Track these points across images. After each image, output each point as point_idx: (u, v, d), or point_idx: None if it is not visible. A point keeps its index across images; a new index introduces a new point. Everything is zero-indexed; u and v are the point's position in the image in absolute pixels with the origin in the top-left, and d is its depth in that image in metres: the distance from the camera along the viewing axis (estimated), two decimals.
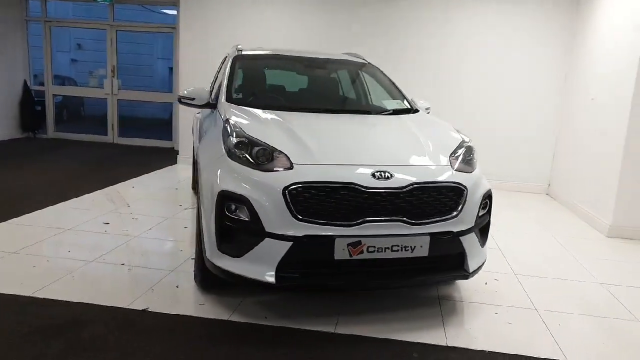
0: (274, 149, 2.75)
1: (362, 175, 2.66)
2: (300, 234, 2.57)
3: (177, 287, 3.27)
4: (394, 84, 4.19)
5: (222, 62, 5.20)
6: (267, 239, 2.59)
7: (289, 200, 2.57)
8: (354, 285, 2.83)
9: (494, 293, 3.41)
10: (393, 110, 3.78)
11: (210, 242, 2.78)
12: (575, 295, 3.49)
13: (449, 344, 2.72)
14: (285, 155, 2.72)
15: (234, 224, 2.67)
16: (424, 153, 2.96)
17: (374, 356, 2.59)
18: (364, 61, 4.46)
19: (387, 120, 3.57)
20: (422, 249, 2.71)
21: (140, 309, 2.93)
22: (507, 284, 3.59)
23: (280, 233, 2.58)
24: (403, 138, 3.12)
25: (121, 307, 2.94)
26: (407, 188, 2.68)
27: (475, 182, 2.93)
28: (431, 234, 2.72)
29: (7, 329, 2.61)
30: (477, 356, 2.63)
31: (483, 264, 3.04)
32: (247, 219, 2.63)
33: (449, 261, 2.88)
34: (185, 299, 3.10)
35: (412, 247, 2.68)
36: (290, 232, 2.57)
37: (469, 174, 2.94)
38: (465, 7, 6.78)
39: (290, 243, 2.57)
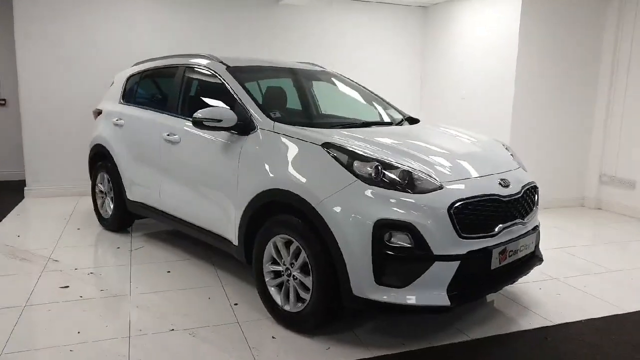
0: (410, 169, 2.66)
1: (495, 186, 2.81)
2: (464, 251, 2.59)
3: (273, 337, 2.84)
4: (377, 95, 4.31)
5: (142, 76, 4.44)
6: (436, 263, 2.53)
7: (454, 220, 2.56)
8: (497, 289, 2.95)
9: None
10: (404, 119, 3.93)
11: (361, 276, 2.54)
12: (559, 262, 4.27)
13: (554, 322, 3.12)
14: (427, 174, 2.67)
15: (395, 252, 2.52)
16: (503, 159, 3.25)
17: (521, 348, 2.81)
18: (336, 73, 4.44)
19: (437, 131, 3.69)
20: (532, 244, 3.04)
21: None
22: None
23: (448, 254, 2.55)
24: (478, 146, 3.32)
25: None
26: (522, 192, 2.95)
27: None
28: (534, 230, 3.07)
29: None
30: (581, 326, 3.08)
31: None
32: (409, 245, 2.51)
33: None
34: (304, 349, 2.73)
35: (529, 244, 2.98)
36: (457, 251, 2.57)
37: (528, 173, 3.37)
38: (334, 12, 7.17)
39: (458, 262, 2.57)
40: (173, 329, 2.90)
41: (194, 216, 3.68)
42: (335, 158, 2.73)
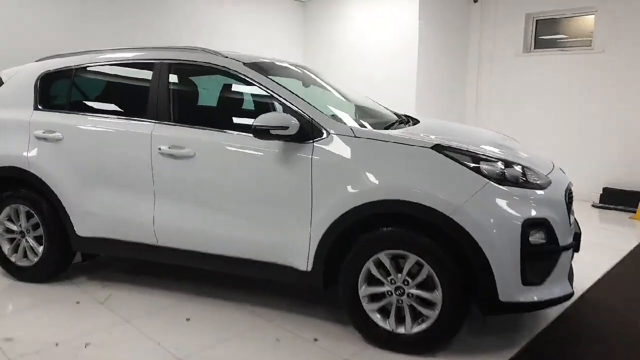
0: (526, 166, 2.68)
1: (564, 176, 3.03)
2: (572, 239, 2.75)
3: None
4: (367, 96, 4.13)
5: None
6: (562, 254, 2.63)
7: (568, 210, 2.70)
8: None
9: None
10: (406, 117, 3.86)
11: (509, 280, 2.47)
12: None
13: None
14: (533, 169, 2.72)
15: (536, 250, 2.52)
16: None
17: (590, 318, 3.15)
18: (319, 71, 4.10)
19: (469, 129, 3.70)
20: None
21: None
22: None
23: (567, 244, 2.66)
24: (514, 141, 3.47)
25: None
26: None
27: None
28: None
29: None
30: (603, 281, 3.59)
31: None
32: (544, 241, 2.55)
33: None
34: None
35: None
36: (569, 240, 2.70)
37: None
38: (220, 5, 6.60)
39: (571, 250, 2.72)
40: None
41: (229, 246, 3.01)
42: (457, 161, 2.57)
